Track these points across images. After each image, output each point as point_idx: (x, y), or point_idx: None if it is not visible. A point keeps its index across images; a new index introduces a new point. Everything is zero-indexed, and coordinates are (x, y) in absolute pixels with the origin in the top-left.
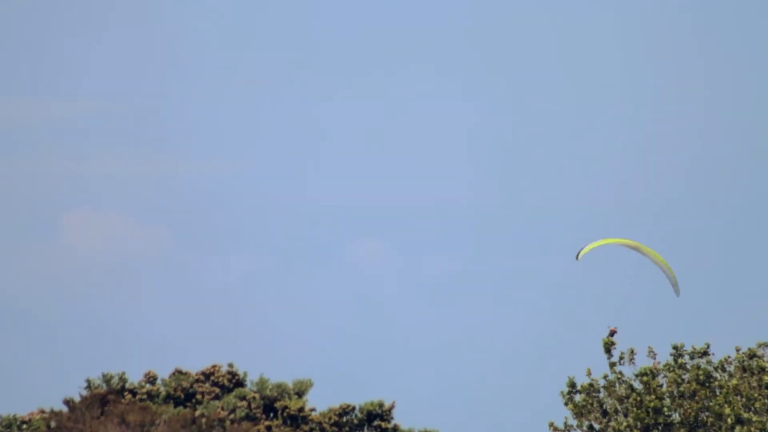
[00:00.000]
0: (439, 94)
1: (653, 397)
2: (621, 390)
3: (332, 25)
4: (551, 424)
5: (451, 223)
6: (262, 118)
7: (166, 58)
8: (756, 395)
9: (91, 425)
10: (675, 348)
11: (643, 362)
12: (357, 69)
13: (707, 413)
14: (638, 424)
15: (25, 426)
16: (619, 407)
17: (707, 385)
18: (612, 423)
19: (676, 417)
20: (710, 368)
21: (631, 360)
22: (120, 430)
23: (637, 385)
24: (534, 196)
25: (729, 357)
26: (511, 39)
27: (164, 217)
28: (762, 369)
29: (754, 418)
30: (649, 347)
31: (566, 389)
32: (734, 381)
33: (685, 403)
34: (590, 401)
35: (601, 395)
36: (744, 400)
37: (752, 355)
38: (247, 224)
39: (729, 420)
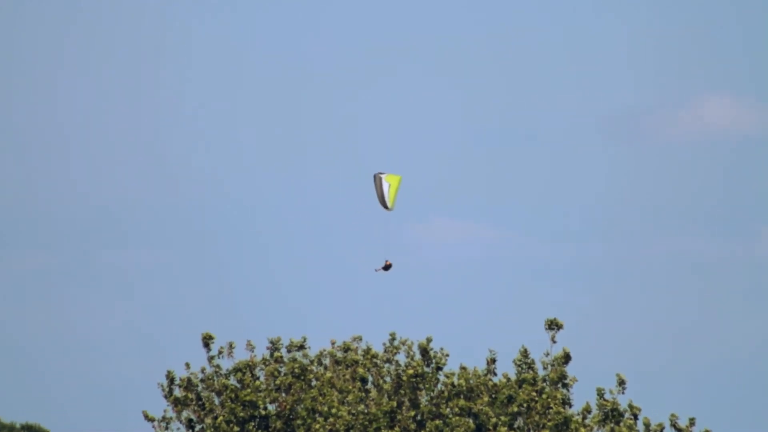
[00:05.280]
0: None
1: (249, 390)
2: (218, 384)
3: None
4: (146, 415)
5: None
6: None
7: None
8: (350, 387)
9: None
10: (272, 342)
11: (241, 356)
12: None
13: (302, 406)
14: (233, 417)
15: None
16: (217, 400)
17: (303, 378)
18: (208, 417)
19: (272, 410)
20: (306, 361)
21: (230, 354)
22: None
23: (233, 381)
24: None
25: (324, 350)
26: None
27: None
28: (355, 362)
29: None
30: (248, 341)
31: (165, 382)
32: (329, 374)
33: (281, 396)
34: (189, 395)
35: (200, 389)
36: (338, 392)
37: (346, 349)
38: None
39: (323, 410)
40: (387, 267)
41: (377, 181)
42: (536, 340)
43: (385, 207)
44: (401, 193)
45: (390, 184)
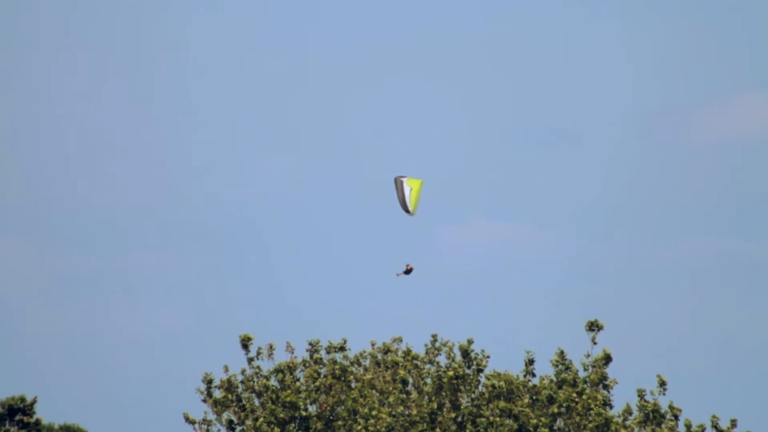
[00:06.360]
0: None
1: (289, 392)
2: (258, 385)
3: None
4: (187, 417)
5: None
6: None
7: None
8: (390, 389)
9: None
10: (311, 344)
11: (281, 357)
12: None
13: (343, 407)
14: (274, 419)
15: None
16: (257, 402)
17: (343, 379)
18: (249, 419)
19: (312, 411)
20: (346, 363)
21: (270, 355)
22: None
23: (274, 382)
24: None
25: (364, 351)
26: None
27: None
28: (396, 363)
29: (384, 412)
30: (287, 342)
31: (203, 385)
32: (369, 375)
33: (321, 397)
34: (229, 396)
35: (240, 390)
36: (378, 394)
37: (386, 350)
38: None
39: (364, 411)
40: (408, 271)
41: (398, 184)
42: (574, 340)
43: (407, 211)
44: (438, 195)
45: (412, 188)
